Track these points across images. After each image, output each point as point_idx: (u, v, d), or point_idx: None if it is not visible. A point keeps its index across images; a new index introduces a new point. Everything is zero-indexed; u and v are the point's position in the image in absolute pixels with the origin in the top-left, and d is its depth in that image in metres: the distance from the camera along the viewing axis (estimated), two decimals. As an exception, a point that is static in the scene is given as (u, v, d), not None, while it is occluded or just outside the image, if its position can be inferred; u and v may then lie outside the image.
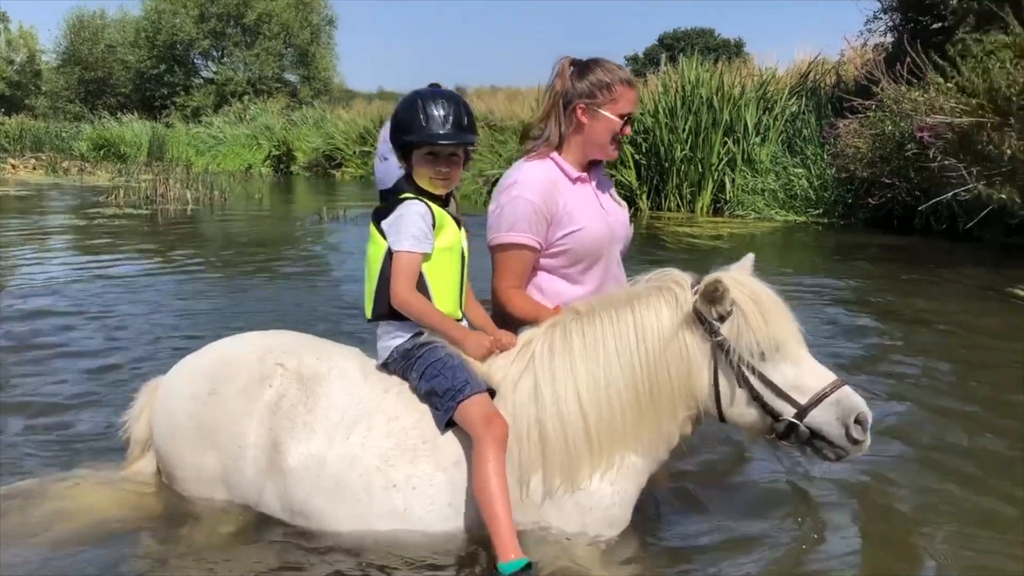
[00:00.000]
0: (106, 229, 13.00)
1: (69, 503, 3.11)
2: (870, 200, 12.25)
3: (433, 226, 2.90)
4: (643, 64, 37.53)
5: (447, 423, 2.80)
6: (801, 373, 2.69)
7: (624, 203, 3.52)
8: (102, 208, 16.23)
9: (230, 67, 45.61)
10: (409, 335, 2.94)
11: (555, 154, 3.26)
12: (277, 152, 31.63)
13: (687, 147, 14.98)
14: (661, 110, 15.23)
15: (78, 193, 20.59)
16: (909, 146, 11.06)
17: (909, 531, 3.24)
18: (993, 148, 9.35)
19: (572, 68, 3.25)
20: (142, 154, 33.72)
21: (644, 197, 15.39)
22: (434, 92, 2.95)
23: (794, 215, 13.94)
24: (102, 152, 34.58)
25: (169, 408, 3.09)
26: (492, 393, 2.83)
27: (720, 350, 2.70)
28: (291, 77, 47.33)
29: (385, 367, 3.01)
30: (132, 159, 32.45)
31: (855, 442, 2.66)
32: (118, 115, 39.82)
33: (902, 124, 11.07)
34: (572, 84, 3.22)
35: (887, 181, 11.86)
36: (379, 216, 2.96)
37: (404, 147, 2.96)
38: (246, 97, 41.49)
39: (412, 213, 2.88)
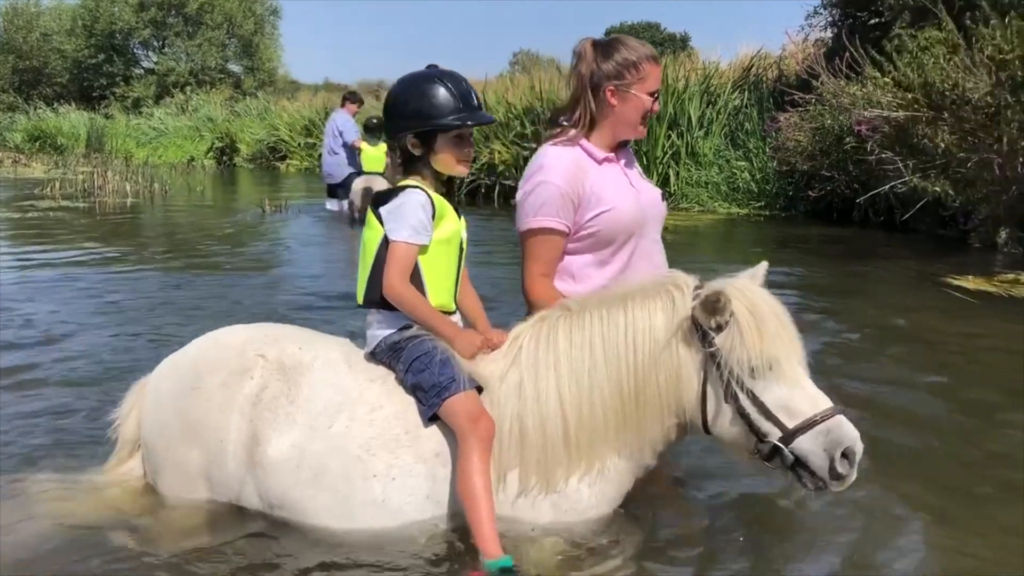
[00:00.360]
0: (40, 221, 12.66)
1: (43, 506, 3.04)
2: (810, 192, 12.45)
3: (433, 216, 2.84)
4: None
5: (431, 418, 2.75)
6: (794, 396, 2.58)
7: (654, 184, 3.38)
8: (37, 201, 15.77)
9: (171, 57, 44.49)
10: (397, 327, 2.89)
11: (584, 141, 3.17)
12: (220, 144, 30.97)
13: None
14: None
15: (12, 185, 19.99)
16: (848, 139, 11.25)
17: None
18: (928, 142, 9.56)
19: (595, 49, 3.13)
20: (80, 146, 32.75)
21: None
22: (450, 73, 2.88)
23: (737, 207, 14.11)
24: (38, 144, 33.65)
25: (155, 405, 3.02)
26: (480, 390, 2.77)
27: (712, 361, 2.62)
28: (235, 68, 46.34)
29: (372, 356, 2.96)
30: (70, 151, 31.57)
31: (837, 476, 2.54)
32: (55, 106, 38.70)
33: (841, 118, 11.25)
34: (597, 66, 3.11)
35: (827, 174, 12.08)
36: (379, 201, 2.89)
37: (425, 133, 2.85)
38: (188, 88, 40.62)
39: (414, 203, 2.81)
